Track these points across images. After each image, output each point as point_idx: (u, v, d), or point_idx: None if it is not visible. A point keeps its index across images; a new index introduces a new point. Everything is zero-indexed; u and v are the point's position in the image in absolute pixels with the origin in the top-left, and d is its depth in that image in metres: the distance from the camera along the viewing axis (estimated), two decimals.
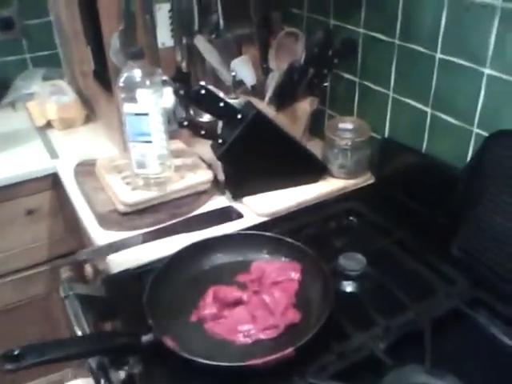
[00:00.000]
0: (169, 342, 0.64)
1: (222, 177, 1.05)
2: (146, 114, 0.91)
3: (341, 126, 1.07)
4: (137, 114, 0.91)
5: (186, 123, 0.95)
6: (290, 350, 0.63)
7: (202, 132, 0.96)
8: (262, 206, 1.00)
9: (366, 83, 1.09)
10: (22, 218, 1.25)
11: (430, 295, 0.77)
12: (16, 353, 0.56)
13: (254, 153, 0.98)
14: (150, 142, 0.92)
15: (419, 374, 0.64)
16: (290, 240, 0.84)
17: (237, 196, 1.03)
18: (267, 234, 0.86)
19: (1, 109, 1.46)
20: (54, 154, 1.25)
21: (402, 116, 1.02)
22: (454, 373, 0.63)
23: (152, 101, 0.92)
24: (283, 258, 0.83)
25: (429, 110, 0.96)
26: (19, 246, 1.28)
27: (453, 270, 0.81)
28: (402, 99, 1.01)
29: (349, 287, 0.83)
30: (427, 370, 0.64)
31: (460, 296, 0.76)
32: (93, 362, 0.66)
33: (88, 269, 1.06)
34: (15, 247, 1.27)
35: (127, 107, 0.91)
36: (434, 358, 0.65)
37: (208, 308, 0.74)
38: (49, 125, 1.37)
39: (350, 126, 1.07)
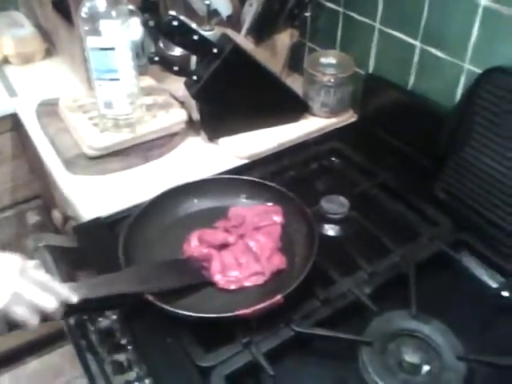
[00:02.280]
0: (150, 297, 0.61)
1: (196, 116, 0.99)
2: (113, 49, 0.83)
3: (323, 60, 1.01)
4: (102, 49, 0.83)
5: (156, 58, 0.87)
6: (278, 297, 0.61)
7: (175, 68, 0.89)
8: (240, 148, 0.95)
9: (350, 13, 1.02)
10: None
11: (414, 238, 0.76)
12: None
13: (232, 90, 0.92)
14: (117, 79, 0.85)
15: (405, 319, 0.63)
16: (269, 183, 0.80)
17: (213, 137, 0.97)
18: (245, 177, 0.82)
19: None
20: (12, 92, 1.16)
21: (389, 50, 0.96)
22: (439, 317, 0.63)
23: (118, 33, 0.83)
24: (263, 202, 0.80)
25: (418, 43, 0.90)
26: None
27: (436, 212, 0.79)
28: (390, 31, 0.94)
29: (331, 231, 0.80)
30: (413, 316, 0.63)
31: (444, 239, 0.74)
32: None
33: (56, 214, 1.01)
34: None
35: (91, 41, 0.83)
36: (418, 302, 0.64)
37: (195, 251, 0.71)
38: (5, 60, 1.26)
39: (332, 60, 1.00)
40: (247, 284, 0.67)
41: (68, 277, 0.72)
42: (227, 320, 0.61)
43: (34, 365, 1.54)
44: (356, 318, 0.65)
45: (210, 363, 0.59)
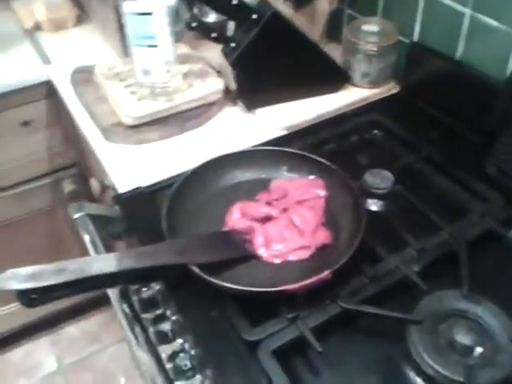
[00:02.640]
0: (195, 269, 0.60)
1: (233, 86, 0.96)
2: (150, 14, 0.80)
3: (364, 28, 0.96)
4: (139, 14, 0.80)
5: (194, 24, 0.84)
6: (326, 272, 0.59)
7: (213, 35, 0.86)
8: (278, 119, 0.92)
9: None
10: (17, 129, 1.17)
11: (464, 215, 0.73)
12: None
13: (270, 58, 0.89)
14: (155, 46, 0.82)
15: (456, 299, 0.61)
16: (312, 156, 0.77)
17: (250, 107, 0.95)
18: (286, 149, 0.80)
19: None
20: (45, 59, 1.14)
21: (436, 17, 0.91)
22: (491, 298, 0.61)
23: None
24: (305, 175, 0.78)
25: (468, 10, 0.85)
26: (17, 158, 1.21)
27: (487, 188, 0.76)
28: None
29: (375, 206, 0.78)
30: (464, 295, 0.61)
31: (495, 216, 0.72)
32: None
33: (94, 183, 1.00)
34: (13, 160, 1.20)
35: (128, 6, 0.80)
36: (469, 281, 0.62)
37: (238, 223, 0.69)
38: (37, 27, 1.24)
39: (374, 28, 0.96)
40: (292, 258, 0.66)
41: (110, 246, 0.72)
42: (274, 294, 0.60)
43: (71, 330, 1.58)
44: (404, 296, 0.63)
45: (256, 337, 0.59)
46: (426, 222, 0.72)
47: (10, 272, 0.50)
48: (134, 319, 0.61)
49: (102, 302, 1.54)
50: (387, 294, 0.63)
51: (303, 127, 0.92)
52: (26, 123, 1.17)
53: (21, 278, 0.50)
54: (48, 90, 1.14)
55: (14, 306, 1.38)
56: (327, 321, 0.60)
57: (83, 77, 1.01)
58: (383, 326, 0.61)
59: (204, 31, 0.87)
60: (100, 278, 0.54)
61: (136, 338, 0.60)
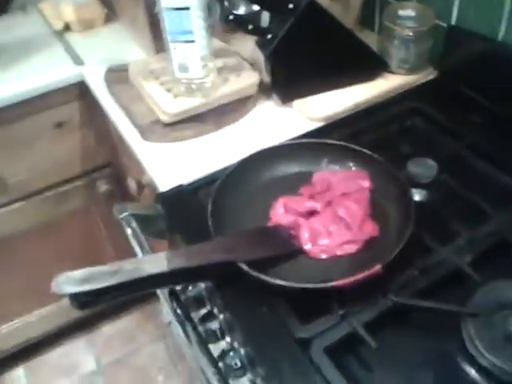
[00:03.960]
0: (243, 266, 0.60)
1: (267, 78, 0.95)
2: (187, 8, 0.79)
3: (401, 12, 0.94)
4: (177, 9, 0.79)
5: (231, 17, 0.83)
6: (378, 267, 0.58)
7: (250, 27, 0.84)
8: (315, 110, 0.91)
9: None
10: (51, 131, 1.19)
11: None
12: None
13: (306, 48, 0.88)
14: (192, 41, 0.82)
15: None
16: (353, 146, 0.76)
17: (286, 99, 0.93)
18: (327, 140, 0.78)
19: (11, 14, 1.33)
20: (77, 60, 1.15)
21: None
22: None
23: None
24: (348, 167, 0.76)
25: None
26: (51, 160, 1.22)
27: None
28: None
29: (420, 195, 0.76)
30: None
31: None
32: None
33: (131, 182, 1.01)
34: (48, 162, 1.22)
35: (165, 1, 0.80)
36: None
37: (282, 219, 0.68)
38: (67, 28, 1.25)
39: (411, 12, 0.93)
40: (339, 253, 0.65)
41: (155, 246, 0.72)
42: (324, 290, 0.59)
43: (107, 330, 1.60)
44: (457, 288, 0.62)
45: (307, 334, 0.58)
46: (474, 210, 0.70)
47: (65, 276, 0.51)
48: (186, 319, 0.61)
49: (137, 302, 1.56)
50: (439, 286, 0.62)
51: (341, 117, 0.90)
52: (59, 125, 1.18)
53: (75, 281, 0.50)
54: (80, 91, 1.14)
55: (49, 309, 1.40)
56: (379, 316, 0.59)
57: (117, 76, 1.01)
58: (436, 320, 0.60)
59: (240, 24, 0.86)
60: (152, 278, 0.54)
61: (188, 337, 0.60)
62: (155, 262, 0.55)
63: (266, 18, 0.88)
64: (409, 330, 0.61)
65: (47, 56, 1.17)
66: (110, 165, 1.28)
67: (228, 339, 0.64)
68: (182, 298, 0.67)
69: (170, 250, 0.58)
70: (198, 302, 0.68)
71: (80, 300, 0.52)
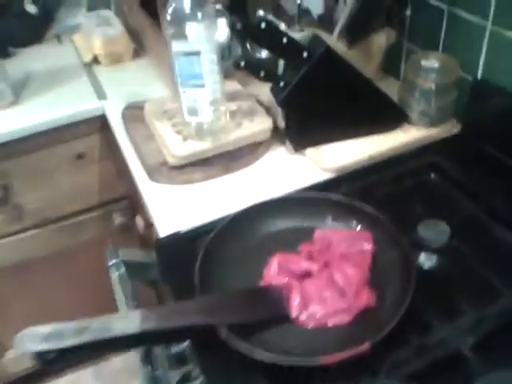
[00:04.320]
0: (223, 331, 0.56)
1: (282, 124, 0.93)
2: (198, 54, 0.79)
3: (424, 63, 0.90)
4: (187, 54, 0.79)
5: (242, 63, 0.82)
6: (365, 345, 0.54)
7: (262, 73, 0.83)
8: (327, 160, 0.88)
9: (456, 11, 0.90)
10: (71, 162, 1.20)
11: None
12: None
13: (321, 97, 0.85)
14: (202, 86, 0.81)
15: None
16: (359, 204, 0.72)
17: (299, 147, 0.91)
18: (333, 196, 0.75)
19: (46, 43, 1.38)
20: (101, 94, 1.17)
21: (502, 53, 0.84)
22: None
23: (204, 37, 0.79)
24: (351, 225, 0.72)
25: None
26: (71, 190, 1.23)
27: None
28: (504, 32, 0.82)
29: (428, 262, 0.71)
30: None
31: None
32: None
33: (139, 220, 1.00)
34: (67, 192, 1.23)
35: (176, 45, 0.79)
36: None
37: (275, 279, 0.65)
38: (96, 60, 1.27)
39: (435, 63, 0.89)
40: (330, 323, 0.61)
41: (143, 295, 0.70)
42: (309, 366, 0.55)
43: (115, 363, 1.58)
44: (455, 373, 0.56)
45: None
46: (486, 284, 0.65)
47: (28, 331, 0.49)
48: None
49: None
50: (435, 369, 0.56)
51: (353, 170, 0.86)
52: (80, 156, 1.19)
53: (38, 338, 0.49)
54: (102, 124, 1.16)
55: None
56: None
57: (135, 113, 1.01)
58: None
59: (252, 70, 0.84)
60: (122, 339, 0.52)
61: None
62: (127, 322, 0.53)
63: (282, 64, 0.86)
64: None
65: (74, 87, 1.20)
66: (126, 198, 1.28)
67: None
68: (164, 354, 0.64)
69: (144, 307, 0.55)
70: (181, 359, 0.65)
71: (45, 357, 0.50)
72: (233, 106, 0.93)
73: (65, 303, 1.30)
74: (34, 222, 1.22)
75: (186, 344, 0.63)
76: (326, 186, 0.82)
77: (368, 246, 0.68)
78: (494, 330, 0.59)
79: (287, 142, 0.92)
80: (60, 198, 1.23)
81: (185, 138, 0.87)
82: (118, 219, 1.23)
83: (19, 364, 1.42)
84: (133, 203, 1.28)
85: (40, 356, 0.49)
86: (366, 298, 0.62)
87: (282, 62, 0.88)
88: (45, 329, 0.49)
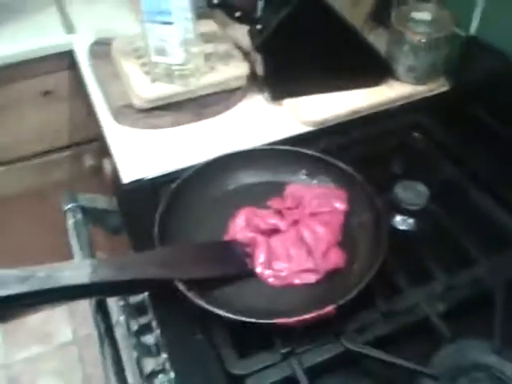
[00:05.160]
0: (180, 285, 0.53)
1: (260, 71, 0.87)
2: None
3: (415, 15, 0.84)
4: None
5: (216, 1, 0.75)
6: (329, 307, 0.51)
7: (237, 14, 0.76)
8: (306, 112, 0.83)
9: None
10: (38, 99, 1.12)
11: (508, 248, 0.62)
12: None
13: (302, 43, 0.79)
14: (170, 22, 0.74)
15: (483, 352, 0.51)
16: (335, 161, 0.68)
17: (277, 97, 0.85)
18: (307, 151, 0.70)
19: None
20: (70, 28, 1.08)
21: (500, 9, 0.78)
22: None
23: None
24: (325, 182, 0.68)
25: None
26: (38, 128, 1.16)
27: None
28: None
29: (404, 224, 0.67)
30: (495, 349, 0.51)
31: None
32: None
33: (107, 165, 0.94)
34: (33, 130, 1.16)
35: None
36: (504, 332, 0.52)
37: (240, 233, 0.61)
38: None
39: (426, 16, 0.84)
40: (296, 282, 0.57)
41: (101, 243, 0.65)
42: (267, 326, 0.52)
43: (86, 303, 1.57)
44: (422, 340, 0.54)
45: (242, 371, 0.51)
46: (461, 251, 0.62)
47: None
48: (106, 335, 0.55)
49: None
50: (402, 335, 0.54)
51: (333, 124, 0.82)
52: (47, 93, 1.12)
53: None
54: (71, 60, 1.07)
55: None
56: (327, 360, 0.52)
57: (104, 50, 0.93)
58: (392, 373, 0.52)
59: (227, 9, 0.77)
60: (69, 289, 0.48)
61: (104, 356, 0.53)
62: (76, 271, 0.48)
63: (260, 6, 0.79)
64: (359, 381, 0.53)
65: (41, 20, 1.11)
66: (98, 140, 1.21)
67: (164, 356, 0.58)
68: (122, 303, 0.60)
69: (96, 258, 0.51)
70: (140, 310, 0.61)
71: None
72: (207, 48, 0.86)
73: (36, 245, 1.25)
74: (0, 160, 1.16)
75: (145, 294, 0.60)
76: (302, 139, 0.77)
77: (341, 206, 0.64)
78: (465, 298, 0.56)
79: (265, 91, 0.86)
80: (28, 135, 1.16)
81: (153, 80, 0.80)
82: (88, 161, 1.17)
83: None
84: (103, 147, 1.21)
85: None
86: (335, 259, 0.58)
87: (261, 2, 0.81)
88: None
